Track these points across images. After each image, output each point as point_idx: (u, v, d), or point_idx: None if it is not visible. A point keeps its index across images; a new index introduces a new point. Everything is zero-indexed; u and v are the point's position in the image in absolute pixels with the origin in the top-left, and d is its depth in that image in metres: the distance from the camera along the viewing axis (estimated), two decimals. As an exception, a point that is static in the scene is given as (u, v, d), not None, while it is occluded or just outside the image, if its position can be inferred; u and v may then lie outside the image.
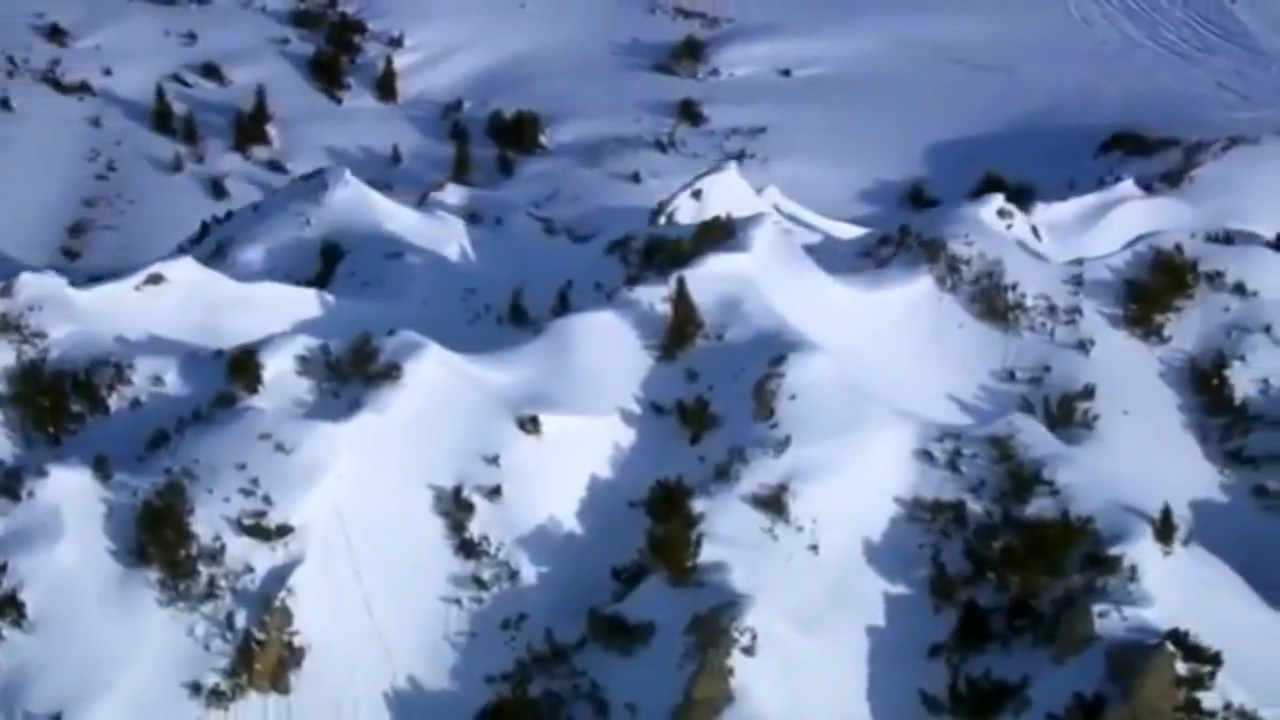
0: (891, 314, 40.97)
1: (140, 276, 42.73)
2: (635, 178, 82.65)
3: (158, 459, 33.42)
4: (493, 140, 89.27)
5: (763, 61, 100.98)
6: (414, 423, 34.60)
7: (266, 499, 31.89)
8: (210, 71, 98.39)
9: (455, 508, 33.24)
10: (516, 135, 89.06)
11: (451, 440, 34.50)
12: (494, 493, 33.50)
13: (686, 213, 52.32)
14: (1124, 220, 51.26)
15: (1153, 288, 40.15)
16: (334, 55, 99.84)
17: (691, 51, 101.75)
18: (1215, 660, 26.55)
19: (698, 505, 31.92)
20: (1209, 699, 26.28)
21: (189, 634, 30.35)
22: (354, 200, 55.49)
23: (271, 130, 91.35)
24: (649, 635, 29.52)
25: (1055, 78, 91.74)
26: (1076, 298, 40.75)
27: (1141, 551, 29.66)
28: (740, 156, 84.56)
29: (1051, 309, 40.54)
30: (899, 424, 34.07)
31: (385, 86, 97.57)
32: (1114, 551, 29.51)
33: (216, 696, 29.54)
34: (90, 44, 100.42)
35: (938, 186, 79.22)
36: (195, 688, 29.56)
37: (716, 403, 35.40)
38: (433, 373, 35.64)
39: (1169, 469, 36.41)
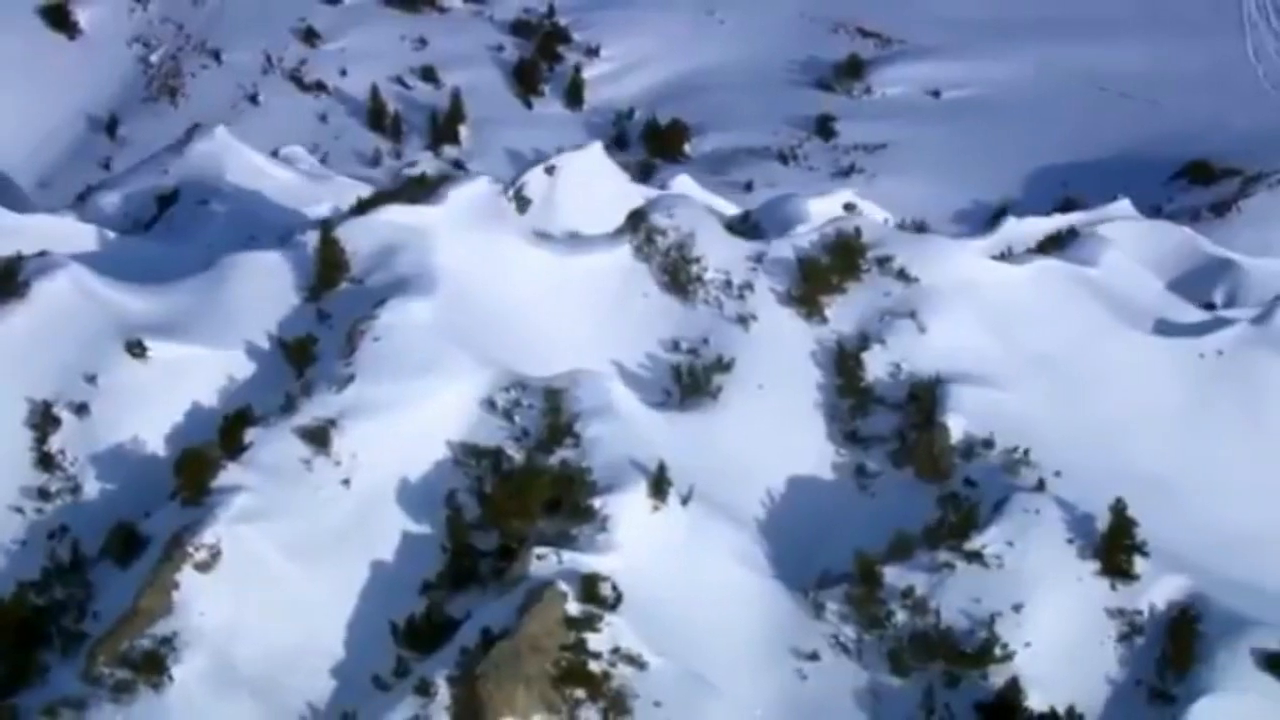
0: (581, 278, 41.23)
1: (-102, 203, 44.44)
2: (748, 186, 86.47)
3: None
4: (645, 148, 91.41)
5: (917, 82, 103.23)
6: (27, 339, 35.56)
7: None
8: (428, 74, 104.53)
9: (43, 421, 34.17)
10: (665, 143, 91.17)
11: (61, 359, 35.36)
12: (82, 409, 34.38)
13: (537, 188, 52.50)
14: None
15: (821, 268, 40.05)
16: (534, 62, 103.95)
17: (853, 70, 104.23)
18: (612, 606, 26.69)
19: (251, 434, 32.58)
20: (597, 641, 26.42)
21: None
22: (213, 154, 56.67)
23: (464, 131, 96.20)
24: (143, 550, 30.24)
25: (1192, 108, 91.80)
26: (754, 274, 40.74)
27: (625, 505, 29.84)
28: (850, 171, 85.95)
29: (728, 283, 40.57)
30: (476, 372, 34.44)
31: (574, 94, 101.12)
32: (596, 502, 29.73)
33: None
34: (336, 47, 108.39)
35: (1024, 207, 79.39)
36: None
37: (325, 342, 36.03)
38: (62, 292, 36.59)
39: (786, 443, 36.41)
